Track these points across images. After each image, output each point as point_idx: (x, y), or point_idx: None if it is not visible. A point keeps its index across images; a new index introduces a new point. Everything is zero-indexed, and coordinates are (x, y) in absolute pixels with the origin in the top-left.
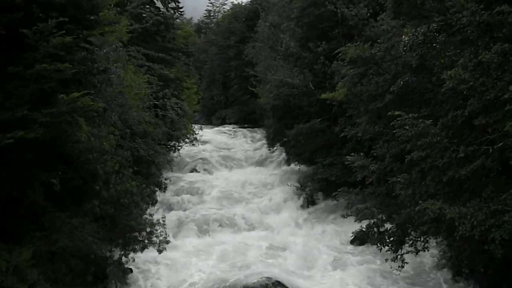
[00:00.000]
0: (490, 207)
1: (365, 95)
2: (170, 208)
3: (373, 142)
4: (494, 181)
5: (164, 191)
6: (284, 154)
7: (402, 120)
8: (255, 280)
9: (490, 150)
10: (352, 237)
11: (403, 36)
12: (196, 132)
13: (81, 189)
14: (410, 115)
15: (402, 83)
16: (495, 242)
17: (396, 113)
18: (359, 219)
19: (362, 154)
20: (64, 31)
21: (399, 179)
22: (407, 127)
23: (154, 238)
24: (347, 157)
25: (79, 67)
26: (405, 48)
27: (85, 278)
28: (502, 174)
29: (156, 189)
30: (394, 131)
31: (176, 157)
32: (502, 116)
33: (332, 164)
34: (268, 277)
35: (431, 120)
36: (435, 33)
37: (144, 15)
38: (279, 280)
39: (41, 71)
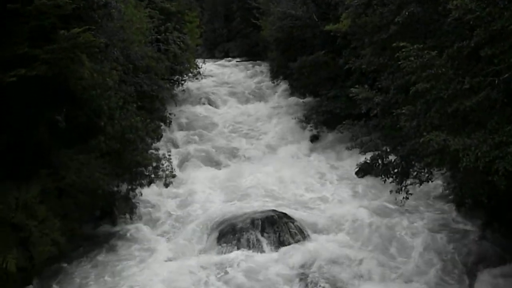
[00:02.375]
0: (495, 139)
1: (370, 26)
2: (175, 142)
3: (377, 74)
4: (499, 112)
5: (168, 126)
6: (288, 87)
7: (407, 52)
8: (261, 213)
9: (496, 81)
10: (357, 169)
11: None
12: (199, 66)
13: (86, 125)
14: (415, 46)
15: (407, 13)
16: (498, 174)
17: (401, 44)
18: (363, 151)
19: (366, 86)
20: None
21: (403, 111)
22: (412, 59)
23: (160, 173)
24: (351, 89)
25: (78, 2)
26: None
27: (93, 213)
28: (507, 106)
29: (161, 123)
30: (399, 63)
31: (179, 91)
32: (509, 46)
33: (337, 97)
34: (273, 209)
35: (436, 51)
36: None
37: None
38: (285, 212)
39: (40, 7)
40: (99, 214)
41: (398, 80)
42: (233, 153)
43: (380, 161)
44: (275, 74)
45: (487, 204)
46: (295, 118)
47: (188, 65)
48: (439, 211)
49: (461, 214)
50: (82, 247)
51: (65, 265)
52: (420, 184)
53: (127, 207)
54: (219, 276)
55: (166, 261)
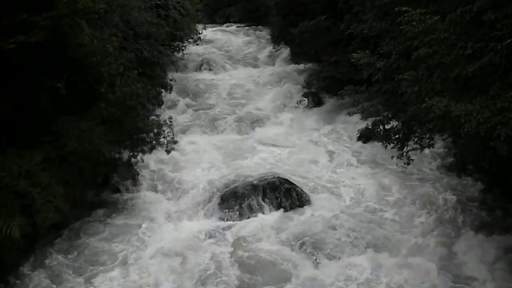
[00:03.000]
0: (497, 104)
1: None
2: (176, 108)
3: (379, 39)
4: (502, 78)
5: (169, 92)
6: (289, 53)
7: (409, 16)
8: (262, 178)
9: (499, 46)
10: (358, 135)
11: None
12: (200, 32)
13: (87, 92)
14: (418, 11)
15: None
16: (500, 139)
17: (403, 9)
18: (364, 117)
19: (368, 51)
20: None
21: (405, 76)
22: (414, 23)
23: (162, 139)
24: (353, 54)
25: None
26: None
27: (95, 180)
28: (509, 71)
29: (162, 90)
30: (401, 28)
31: (180, 57)
32: None
33: (338, 62)
34: (275, 175)
35: (439, 16)
36: None
37: None
38: (286, 178)
39: None
40: (102, 181)
41: (400, 45)
42: (233, 119)
43: (381, 127)
44: (276, 40)
45: (488, 169)
46: (296, 84)
47: (189, 31)
48: (440, 177)
49: (462, 180)
50: (85, 213)
51: (68, 231)
52: (422, 150)
53: (129, 174)
54: (220, 239)
55: (168, 226)
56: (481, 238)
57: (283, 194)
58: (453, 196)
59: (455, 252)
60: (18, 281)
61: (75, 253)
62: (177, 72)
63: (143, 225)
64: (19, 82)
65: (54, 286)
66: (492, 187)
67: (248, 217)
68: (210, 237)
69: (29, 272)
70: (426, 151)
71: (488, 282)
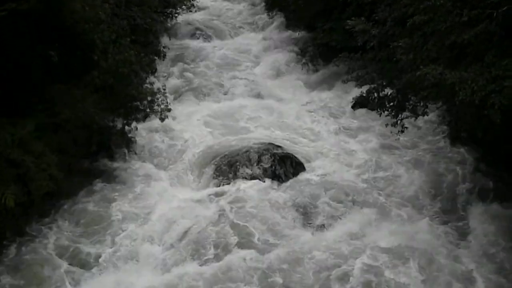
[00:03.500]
0: (492, 73)
1: None
2: (169, 76)
3: (374, 5)
4: (497, 46)
5: (163, 60)
6: (283, 20)
7: None
8: (257, 146)
9: (494, 13)
10: (353, 102)
11: None
12: None
13: (80, 60)
14: None
15: None
16: (494, 108)
17: None
18: (359, 85)
19: (363, 18)
20: None
21: (400, 43)
22: None
23: (156, 107)
24: (347, 21)
25: None
26: None
27: (89, 148)
28: (505, 39)
29: (155, 57)
30: None
31: (173, 24)
32: None
33: (333, 29)
34: (269, 143)
35: None
36: None
37: None
38: (280, 144)
39: None
40: (96, 149)
41: (395, 12)
42: (227, 87)
43: (376, 94)
44: (270, 7)
45: (482, 138)
46: (290, 51)
47: None
48: (433, 145)
49: (456, 148)
50: (79, 181)
51: (63, 199)
52: (416, 118)
53: (123, 142)
54: (215, 206)
55: (162, 193)
56: (476, 205)
57: (277, 161)
58: (446, 164)
59: (450, 215)
60: (13, 250)
61: (71, 221)
62: (170, 39)
63: (138, 193)
64: (11, 50)
65: (50, 253)
66: (485, 155)
67: (242, 184)
68: (204, 203)
69: (24, 240)
70: (420, 119)
71: (482, 247)
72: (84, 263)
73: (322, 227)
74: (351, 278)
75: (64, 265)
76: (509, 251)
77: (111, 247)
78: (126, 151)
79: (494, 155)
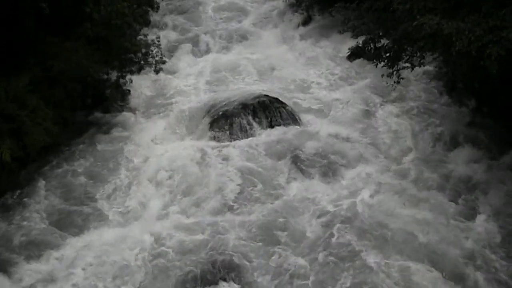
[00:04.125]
0: (489, 23)
1: None
2: (163, 28)
3: None
4: None
5: (156, 11)
6: None
7: None
8: (252, 98)
9: None
10: (349, 53)
11: None
12: None
13: (71, 12)
14: None
15: None
16: (491, 58)
17: None
18: (355, 35)
19: None
20: None
21: None
22: None
23: (150, 59)
24: None
25: None
26: None
27: (84, 101)
28: None
29: (148, 9)
30: None
31: None
32: None
33: None
34: (265, 94)
35: None
36: None
37: None
38: (276, 97)
39: None
40: (91, 102)
41: None
42: (222, 38)
43: (372, 45)
44: None
45: (478, 89)
46: (285, 2)
47: None
48: (429, 97)
49: (452, 99)
50: (75, 135)
51: (59, 153)
52: (412, 69)
53: (118, 94)
54: (211, 158)
55: (158, 146)
56: (472, 156)
57: (273, 113)
58: (441, 115)
59: (442, 166)
60: (11, 204)
61: (67, 174)
62: None
63: (134, 145)
64: (1, 3)
65: (48, 206)
66: (481, 106)
67: (239, 137)
68: (201, 156)
69: (21, 194)
70: (416, 70)
71: (480, 196)
72: (82, 215)
73: (317, 177)
74: (349, 226)
75: (62, 217)
76: (502, 199)
77: (107, 198)
78: (121, 103)
79: (490, 106)
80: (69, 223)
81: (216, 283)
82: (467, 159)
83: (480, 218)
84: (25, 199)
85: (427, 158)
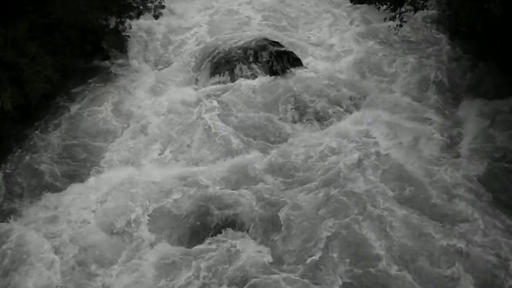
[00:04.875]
0: None
1: None
2: None
3: None
4: None
5: None
6: None
7: None
8: (253, 42)
9: None
10: None
11: None
12: None
13: None
14: None
15: None
16: (495, 1)
17: None
18: None
19: None
20: None
21: None
22: None
23: (149, 4)
24: None
25: None
26: None
27: (83, 48)
28: None
29: None
30: None
31: None
32: None
33: None
34: (266, 38)
35: None
36: None
37: None
38: (277, 40)
39: None
40: (90, 49)
41: None
42: None
43: None
44: None
45: (482, 33)
46: None
47: None
48: (432, 41)
49: (455, 43)
50: (75, 82)
51: (60, 100)
52: (415, 12)
53: (117, 41)
54: (212, 101)
55: (159, 91)
56: (472, 100)
57: (274, 57)
58: (444, 59)
59: (444, 108)
60: (14, 153)
61: (68, 122)
62: None
63: (135, 90)
64: None
65: (50, 154)
66: (484, 51)
67: (240, 81)
68: (202, 99)
69: (24, 141)
70: (419, 15)
71: (481, 138)
72: (83, 160)
73: (320, 122)
74: (354, 166)
75: (64, 162)
76: (501, 142)
77: (110, 145)
78: (120, 50)
79: (493, 50)
80: (71, 168)
81: (219, 231)
82: (468, 104)
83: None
84: (28, 146)
85: (427, 102)
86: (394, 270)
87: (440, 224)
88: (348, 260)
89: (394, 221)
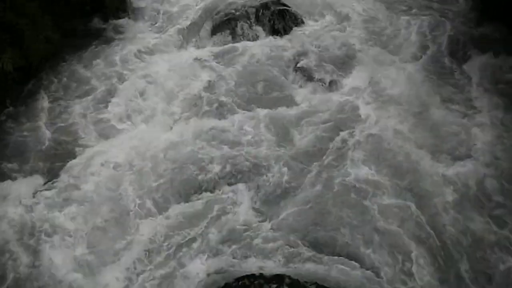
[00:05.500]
0: None
1: None
2: None
3: None
4: None
5: None
6: None
7: None
8: (255, 1)
9: None
10: None
11: None
12: None
13: None
14: None
15: None
16: None
17: None
18: None
19: None
20: None
21: None
22: None
23: None
24: None
25: None
26: None
27: (83, 9)
28: None
29: None
30: None
31: None
32: None
33: None
34: None
35: None
36: None
37: None
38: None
39: None
40: (90, 9)
41: None
42: None
43: None
44: None
45: None
46: None
47: None
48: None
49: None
50: (75, 43)
51: (61, 61)
52: None
53: (118, 1)
54: (214, 62)
55: (160, 54)
56: (477, 55)
57: (276, 16)
58: (447, 14)
59: (449, 63)
60: (14, 115)
61: (69, 84)
62: None
63: (134, 52)
64: None
65: (51, 111)
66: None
67: (241, 41)
68: (204, 61)
69: (27, 103)
70: None
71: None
72: (88, 124)
73: (325, 83)
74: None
75: (67, 125)
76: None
77: (112, 106)
78: (121, 10)
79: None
80: (74, 131)
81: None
82: (474, 60)
83: None
84: (31, 108)
85: (429, 55)
86: None
87: None
88: None
89: None
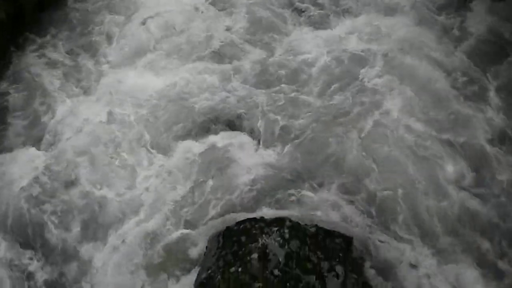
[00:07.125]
0: None
1: None
2: None
3: None
4: None
5: None
6: None
7: None
8: None
9: None
10: None
11: None
12: None
13: None
14: None
15: None
16: None
17: None
18: None
19: None
20: None
21: None
22: None
23: None
24: None
25: None
26: None
27: None
28: None
29: None
30: None
31: None
32: None
33: None
34: None
35: None
36: None
37: None
38: None
39: None
40: None
41: None
42: None
43: None
44: None
45: None
46: None
47: None
48: None
49: None
50: None
51: (54, 9)
52: None
53: None
54: (210, 7)
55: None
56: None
57: None
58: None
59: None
60: (10, 65)
61: (64, 32)
62: None
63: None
64: None
65: (48, 64)
66: None
67: None
68: (200, 8)
69: (21, 54)
70: None
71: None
72: (84, 72)
73: (320, 24)
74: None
75: (66, 72)
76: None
77: (109, 53)
78: None
79: None
80: (74, 79)
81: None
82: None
83: None
84: (24, 59)
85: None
86: None
87: None
88: None
89: None
